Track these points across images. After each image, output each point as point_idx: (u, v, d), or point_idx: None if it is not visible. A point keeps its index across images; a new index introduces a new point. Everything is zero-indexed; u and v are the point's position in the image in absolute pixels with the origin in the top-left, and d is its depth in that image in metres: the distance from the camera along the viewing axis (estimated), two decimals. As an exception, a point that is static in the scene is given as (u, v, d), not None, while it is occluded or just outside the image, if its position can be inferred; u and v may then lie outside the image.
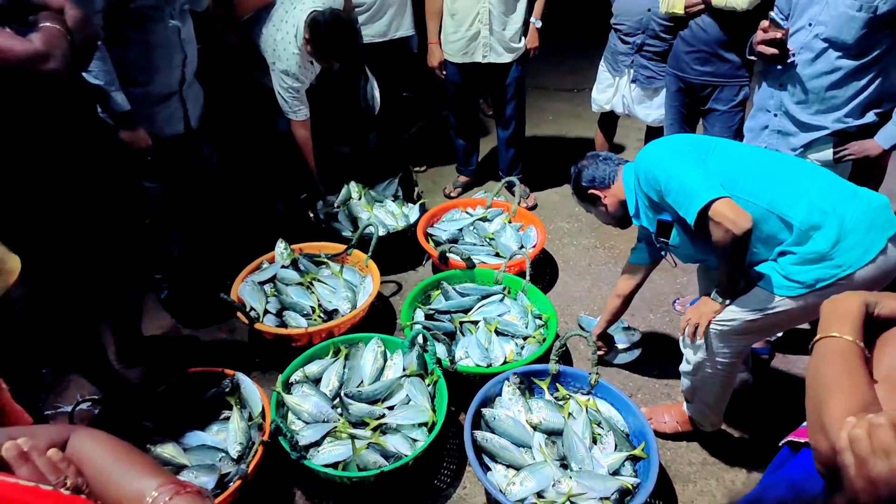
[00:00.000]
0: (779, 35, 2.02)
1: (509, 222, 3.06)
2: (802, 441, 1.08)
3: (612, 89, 3.17)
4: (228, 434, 1.92)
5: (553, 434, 1.96)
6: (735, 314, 1.78)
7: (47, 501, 0.52)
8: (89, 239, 1.91)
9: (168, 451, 1.85)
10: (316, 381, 2.16)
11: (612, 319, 2.33)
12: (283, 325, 2.43)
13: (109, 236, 1.99)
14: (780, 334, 2.43)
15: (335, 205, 3.17)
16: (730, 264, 1.71)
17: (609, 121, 3.44)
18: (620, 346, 2.50)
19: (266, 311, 2.47)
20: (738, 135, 2.72)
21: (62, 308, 1.97)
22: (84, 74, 1.94)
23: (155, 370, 2.33)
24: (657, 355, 2.52)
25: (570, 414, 1.99)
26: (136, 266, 2.34)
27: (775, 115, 2.18)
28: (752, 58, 2.23)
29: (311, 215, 3.08)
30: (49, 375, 2.37)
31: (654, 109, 3.08)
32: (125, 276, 2.19)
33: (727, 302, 1.79)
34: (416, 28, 3.46)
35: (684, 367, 1.96)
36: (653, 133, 3.38)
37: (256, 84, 2.94)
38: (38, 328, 1.94)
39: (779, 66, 2.12)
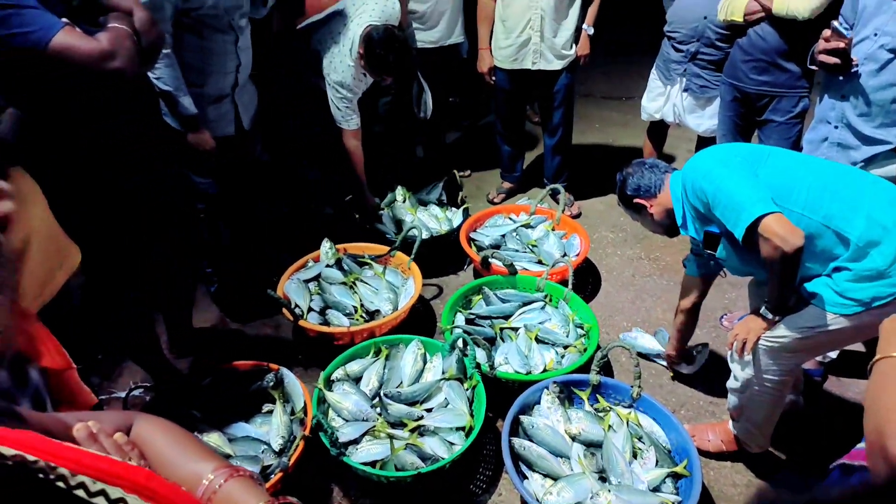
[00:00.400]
0: (842, 45, 1.95)
1: (553, 230, 3.04)
2: (857, 464, 1.03)
3: (662, 98, 3.12)
4: (271, 427, 1.97)
5: (592, 446, 1.94)
6: (785, 331, 1.72)
7: (117, 468, 0.56)
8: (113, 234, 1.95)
9: (213, 440, 1.91)
10: (356, 380, 2.19)
11: (681, 337, 2.27)
12: (326, 323, 2.48)
13: (136, 232, 2.01)
14: (833, 356, 2.33)
15: (380, 207, 3.21)
16: (780, 281, 1.65)
17: (659, 130, 3.38)
18: (687, 370, 2.40)
19: (310, 309, 2.52)
20: (795, 147, 2.63)
21: (117, 297, 2.06)
22: (154, 80, 2.03)
23: (203, 361, 2.40)
24: (702, 372, 2.45)
25: (610, 426, 1.96)
26: (189, 258, 2.42)
27: (836, 128, 2.10)
28: (814, 67, 2.15)
29: (357, 216, 3.13)
30: (104, 362, 2.48)
31: (706, 119, 3.02)
32: (178, 268, 2.27)
33: (776, 318, 1.73)
34: (466, 33, 3.48)
35: (732, 383, 1.90)
36: (704, 143, 3.30)
37: (313, 88, 3.01)
38: (95, 316, 2.04)
39: (841, 77, 2.05)
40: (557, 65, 3.17)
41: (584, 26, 3.15)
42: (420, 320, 2.75)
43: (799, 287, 1.72)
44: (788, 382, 1.83)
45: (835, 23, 1.97)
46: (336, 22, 2.80)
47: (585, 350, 2.28)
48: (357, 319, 2.50)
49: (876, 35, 1.96)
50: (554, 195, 3.32)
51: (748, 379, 1.82)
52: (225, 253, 2.71)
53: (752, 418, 1.91)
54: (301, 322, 2.40)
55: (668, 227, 1.97)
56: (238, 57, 2.26)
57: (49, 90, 1.57)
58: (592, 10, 3.15)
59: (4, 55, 1.41)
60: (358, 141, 2.99)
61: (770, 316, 1.73)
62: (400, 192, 3.26)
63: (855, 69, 1.99)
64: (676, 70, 2.99)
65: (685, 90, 3.00)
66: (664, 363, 2.46)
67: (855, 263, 1.61)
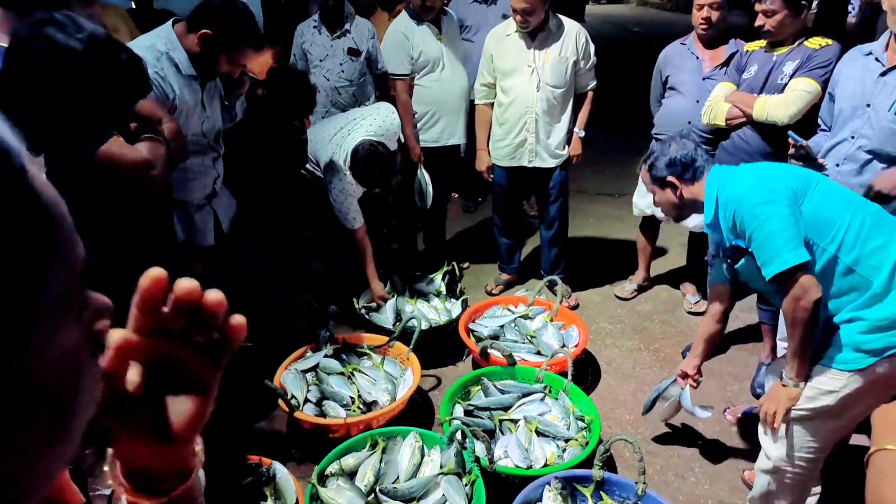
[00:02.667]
0: (802, 150, 2.06)
1: (551, 321, 3.05)
2: None
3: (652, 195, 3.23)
4: (261, 525, 1.88)
5: (597, 547, 1.84)
6: (810, 399, 1.68)
7: None
8: None
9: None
10: (351, 475, 2.11)
11: (706, 347, 2.15)
12: (323, 414, 2.43)
13: None
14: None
15: (388, 296, 3.24)
16: (799, 340, 1.64)
17: (651, 224, 3.49)
18: (703, 414, 2.34)
19: (307, 400, 2.48)
20: None
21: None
22: None
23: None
24: (708, 467, 2.38)
25: (615, 526, 1.88)
26: None
27: None
28: None
29: (357, 306, 3.15)
30: (90, 457, 2.40)
31: (694, 216, 3.11)
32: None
33: (802, 385, 1.69)
34: (467, 136, 3.66)
35: (763, 463, 1.82)
36: (696, 238, 3.40)
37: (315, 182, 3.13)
38: None
39: None
40: (552, 163, 3.32)
41: (576, 129, 3.34)
42: (418, 411, 2.70)
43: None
44: (820, 461, 1.76)
45: (790, 132, 2.09)
46: (339, 132, 2.98)
47: (587, 444, 2.23)
48: (354, 410, 2.45)
49: (853, 138, 2.08)
50: (551, 287, 3.37)
51: (782, 457, 1.76)
52: None
53: None
54: (297, 414, 2.35)
55: (684, 213, 1.97)
56: (216, 169, 2.40)
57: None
58: (583, 115, 3.35)
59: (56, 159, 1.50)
60: (364, 235, 3.08)
61: (793, 383, 1.69)
62: (399, 282, 3.30)
63: (825, 170, 2.09)
64: (664, 169, 3.12)
65: None
66: (708, 415, 2.35)
67: (868, 311, 1.61)
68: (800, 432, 1.72)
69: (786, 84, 2.50)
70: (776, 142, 2.55)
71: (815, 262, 1.65)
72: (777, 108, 2.47)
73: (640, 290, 3.64)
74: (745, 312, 3.04)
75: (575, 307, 3.51)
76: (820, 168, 2.09)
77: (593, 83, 3.32)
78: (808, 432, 1.71)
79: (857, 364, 1.61)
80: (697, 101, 2.92)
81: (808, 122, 2.44)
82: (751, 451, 2.47)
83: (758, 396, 2.78)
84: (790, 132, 2.11)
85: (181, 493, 0.55)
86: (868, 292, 1.62)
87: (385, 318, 3.09)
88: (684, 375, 2.28)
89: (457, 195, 4.80)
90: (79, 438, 0.38)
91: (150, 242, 1.87)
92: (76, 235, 0.35)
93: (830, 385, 1.65)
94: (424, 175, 3.40)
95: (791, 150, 2.12)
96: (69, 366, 0.35)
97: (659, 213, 3.24)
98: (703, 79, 2.93)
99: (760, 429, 1.82)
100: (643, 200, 3.30)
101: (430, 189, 3.39)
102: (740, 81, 2.67)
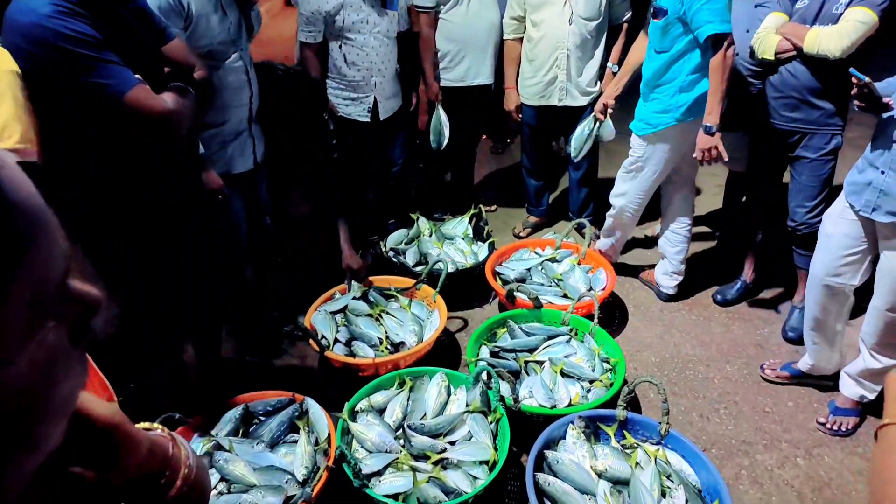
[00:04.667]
0: (865, 88, 1.93)
1: (578, 264, 3.04)
2: None
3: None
4: (296, 457, 1.98)
5: (619, 483, 1.90)
6: None
7: None
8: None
9: (239, 469, 1.93)
10: (381, 411, 2.20)
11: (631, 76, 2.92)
12: (352, 354, 2.50)
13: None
14: (871, 396, 2.25)
15: (406, 240, 3.27)
16: (721, 83, 2.44)
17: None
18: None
19: (336, 340, 2.56)
20: (826, 184, 2.60)
21: (149, 326, 2.12)
22: None
23: (230, 392, 2.44)
24: (733, 408, 2.40)
25: (637, 463, 1.93)
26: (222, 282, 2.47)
27: (883, 173, 2.02)
28: (857, 110, 2.13)
29: (383, 250, 3.18)
30: (136, 392, 2.54)
31: (736, 154, 3.00)
32: (212, 292, 2.33)
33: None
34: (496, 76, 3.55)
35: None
36: (734, 178, 3.30)
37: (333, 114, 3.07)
38: (129, 345, 2.10)
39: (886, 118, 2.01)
40: (583, 101, 3.22)
41: (609, 64, 3.21)
42: (445, 353, 2.76)
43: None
44: None
45: (851, 69, 1.96)
46: None
47: (612, 385, 2.26)
48: (382, 351, 2.52)
49: None
50: (580, 229, 3.34)
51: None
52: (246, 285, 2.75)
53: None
54: (327, 353, 2.43)
55: None
56: (250, 87, 2.30)
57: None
58: (616, 49, 3.21)
59: (85, 100, 1.51)
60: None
61: (716, 128, 2.48)
62: (426, 225, 3.32)
63: (891, 110, 1.96)
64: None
65: None
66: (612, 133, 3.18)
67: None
68: None
69: (841, 14, 2.34)
70: (826, 78, 2.42)
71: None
72: (829, 39, 2.32)
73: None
74: (779, 258, 2.98)
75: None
76: (885, 108, 1.96)
77: (628, 14, 3.17)
78: None
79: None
80: (747, 31, 2.75)
81: (865, 55, 2.28)
82: (776, 395, 2.48)
83: (789, 340, 2.76)
84: (851, 69, 1.96)
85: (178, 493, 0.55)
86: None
87: (411, 261, 3.13)
88: (603, 110, 3.09)
89: (486, 136, 4.71)
90: (51, 444, 0.36)
91: (176, 196, 1.89)
92: (56, 237, 0.32)
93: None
94: (441, 115, 3.32)
95: (854, 91, 1.98)
96: (39, 379, 0.32)
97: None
98: (755, 6, 2.74)
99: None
100: None
101: (447, 131, 3.33)
102: (793, 11, 2.51)
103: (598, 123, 3.15)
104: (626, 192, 2.93)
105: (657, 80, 2.68)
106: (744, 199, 3.17)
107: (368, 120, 3.06)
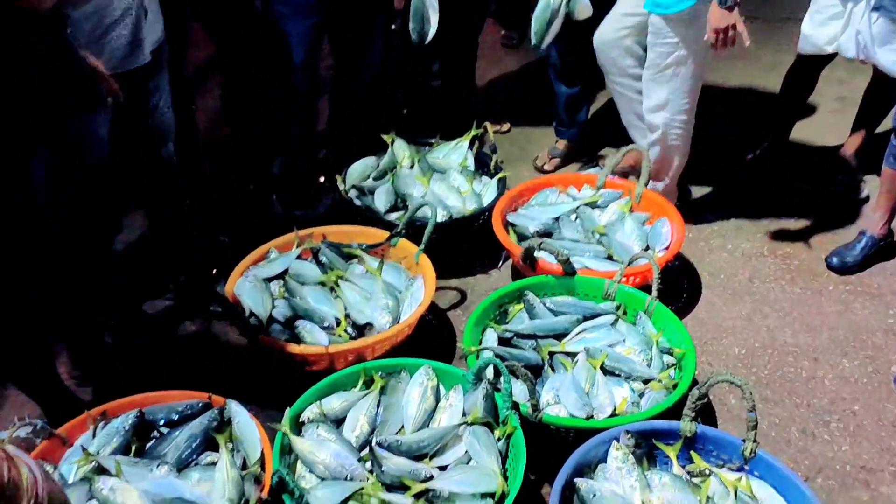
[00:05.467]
0: None
1: (630, 211, 3.05)
2: None
3: (839, 21, 3.08)
4: (214, 486, 2.00)
5: (682, 525, 1.95)
6: None
7: None
8: None
9: (131, 502, 1.95)
10: (338, 422, 2.22)
11: None
12: (296, 339, 2.52)
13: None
14: None
15: (374, 174, 3.25)
16: None
17: (810, 71, 3.40)
18: None
19: (272, 319, 2.57)
20: None
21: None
22: None
23: (116, 389, 2.45)
24: (849, 421, 2.45)
25: (709, 498, 1.97)
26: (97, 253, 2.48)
27: None
28: None
29: (341, 187, 3.16)
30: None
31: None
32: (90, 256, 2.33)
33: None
34: None
35: None
36: (877, 85, 3.27)
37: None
38: None
39: None
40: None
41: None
42: (432, 338, 2.79)
43: None
44: None
45: None
46: None
47: (675, 386, 2.29)
48: (340, 335, 2.54)
49: None
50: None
51: None
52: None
53: None
54: (259, 337, 2.44)
55: None
56: None
57: None
58: None
59: None
60: None
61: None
62: (406, 150, 3.30)
63: None
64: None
65: (875, 9, 2.94)
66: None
67: None
68: None
69: None
70: None
71: None
72: None
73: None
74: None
75: None
76: None
77: None
78: None
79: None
80: None
81: None
82: (914, 402, 2.53)
83: None
84: None
85: None
86: None
87: (383, 203, 3.12)
88: None
89: (493, 21, 4.64)
90: None
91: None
92: None
93: None
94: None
95: None
96: None
97: (849, 51, 3.06)
98: None
99: None
100: (820, 31, 3.14)
101: (434, 13, 3.21)
102: None
103: None
104: (669, 101, 2.94)
105: None
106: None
107: None
